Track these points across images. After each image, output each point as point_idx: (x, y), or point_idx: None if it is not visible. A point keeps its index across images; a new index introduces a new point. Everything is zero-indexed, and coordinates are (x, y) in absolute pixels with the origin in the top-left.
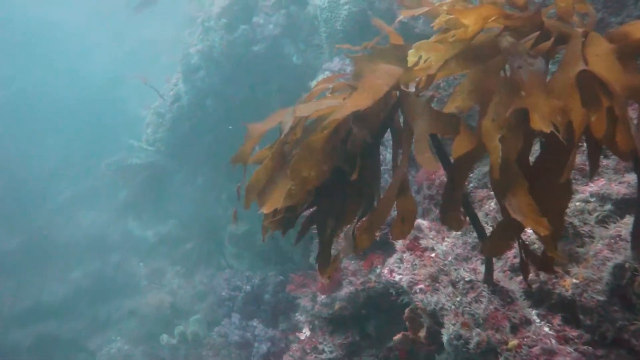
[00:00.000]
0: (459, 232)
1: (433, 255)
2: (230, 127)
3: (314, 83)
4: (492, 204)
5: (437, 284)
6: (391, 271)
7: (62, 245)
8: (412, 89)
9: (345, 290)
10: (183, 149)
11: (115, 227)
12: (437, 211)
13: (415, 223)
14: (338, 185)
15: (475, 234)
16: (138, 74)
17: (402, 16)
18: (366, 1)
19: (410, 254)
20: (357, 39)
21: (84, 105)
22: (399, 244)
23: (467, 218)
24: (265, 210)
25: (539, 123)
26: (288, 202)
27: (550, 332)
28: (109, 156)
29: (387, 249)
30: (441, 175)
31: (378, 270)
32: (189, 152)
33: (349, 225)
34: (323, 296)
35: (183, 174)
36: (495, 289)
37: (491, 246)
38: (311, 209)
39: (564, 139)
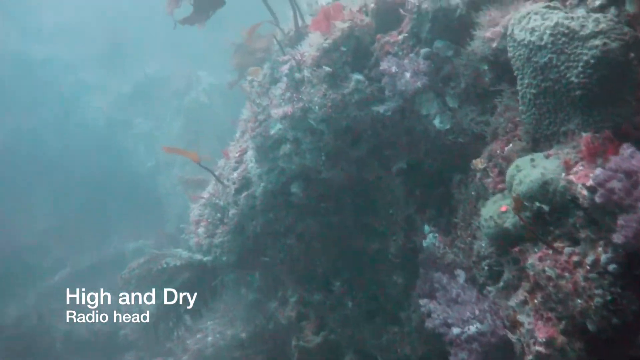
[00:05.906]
0: None
1: None
2: None
3: (478, 162)
4: None
5: None
6: None
7: (59, 341)
8: None
9: None
10: (253, 255)
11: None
12: None
13: None
14: None
15: None
16: (193, 152)
17: None
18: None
19: None
20: (610, 101)
21: (79, 157)
22: None
23: None
24: None
25: None
26: None
27: None
28: (114, 222)
29: None
30: None
31: None
32: (258, 258)
33: None
34: None
35: (236, 274)
36: None
37: None
38: None
39: None
